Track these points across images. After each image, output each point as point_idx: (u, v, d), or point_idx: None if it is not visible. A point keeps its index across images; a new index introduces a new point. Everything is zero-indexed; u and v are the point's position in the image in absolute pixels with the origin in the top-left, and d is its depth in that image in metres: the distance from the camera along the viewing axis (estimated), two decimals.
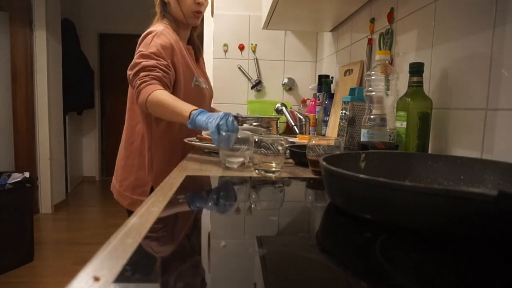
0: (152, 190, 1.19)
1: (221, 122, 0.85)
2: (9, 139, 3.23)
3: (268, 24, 1.72)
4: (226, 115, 0.88)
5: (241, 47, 2.01)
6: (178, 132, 1.21)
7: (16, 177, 2.44)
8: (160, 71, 1.08)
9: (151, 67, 1.07)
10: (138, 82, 1.06)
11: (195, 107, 0.98)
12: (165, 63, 1.10)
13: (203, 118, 0.90)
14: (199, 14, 1.22)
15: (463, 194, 0.32)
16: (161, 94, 1.03)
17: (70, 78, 4.02)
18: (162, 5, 1.23)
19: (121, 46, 4.97)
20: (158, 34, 1.14)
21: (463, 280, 0.29)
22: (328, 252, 0.34)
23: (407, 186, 0.38)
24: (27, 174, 2.52)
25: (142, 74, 1.06)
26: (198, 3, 1.19)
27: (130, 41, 4.87)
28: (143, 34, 1.18)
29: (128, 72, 1.11)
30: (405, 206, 0.37)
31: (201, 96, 1.25)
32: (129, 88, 1.22)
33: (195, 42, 1.33)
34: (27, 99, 3.31)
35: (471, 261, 0.32)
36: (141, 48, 1.13)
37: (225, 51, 2.01)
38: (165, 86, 1.08)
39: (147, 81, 1.05)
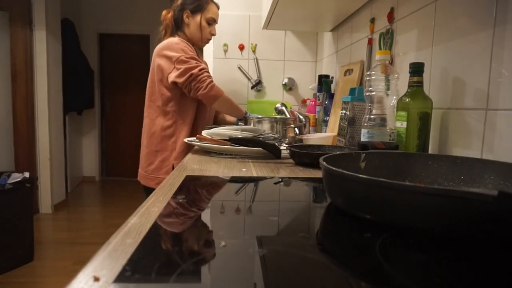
0: (173, 167, 1.42)
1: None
2: (9, 139, 3.23)
3: (268, 24, 1.72)
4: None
5: (241, 47, 2.01)
6: (196, 121, 1.48)
7: (16, 177, 2.44)
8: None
9: (207, 70, 1.39)
10: (208, 79, 1.36)
11: (245, 111, 1.50)
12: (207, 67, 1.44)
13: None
14: (209, 41, 1.55)
15: (463, 194, 0.32)
16: (227, 96, 1.42)
17: (70, 78, 4.02)
18: (177, 23, 1.50)
19: (121, 46, 4.98)
20: (180, 41, 1.40)
21: (463, 280, 0.29)
22: (328, 252, 0.34)
23: (407, 186, 0.38)
24: (27, 174, 2.52)
25: (206, 74, 1.37)
26: (212, 34, 1.52)
27: (130, 41, 4.93)
28: (164, 45, 1.40)
29: (183, 66, 1.34)
30: (405, 206, 0.37)
31: None
32: (148, 87, 1.46)
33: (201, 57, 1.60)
34: (27, 99, 3.31)
35: (471, 261, 0.32)
36: (179, 53, 1.37)
37: (225, 51, 2.01)
38: None
39: (212, 80, 1.38)
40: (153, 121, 1.45)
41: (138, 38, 4.88)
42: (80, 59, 4.38)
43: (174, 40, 1.40)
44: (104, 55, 4.97)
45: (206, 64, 1.63)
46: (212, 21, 1.49)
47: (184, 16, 1.47)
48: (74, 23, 4.31)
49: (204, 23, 1.47)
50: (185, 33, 1.49)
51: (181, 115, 1.43)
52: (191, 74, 1.34)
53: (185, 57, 1.35)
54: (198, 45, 1.53)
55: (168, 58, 1.37)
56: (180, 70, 1.35)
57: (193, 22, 1.47)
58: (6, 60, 3.20)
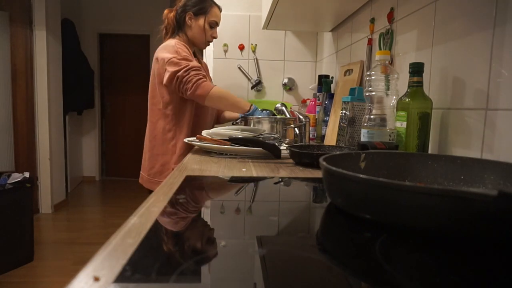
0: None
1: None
2: (9, 139, 3.23)
3: (268, 24, 1.72)
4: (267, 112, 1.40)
5: (241, 47, 2.01)
6: (196, 123, 1.47)
7: (16, 177, 2.44)
8: (204, 71, 1.38)
9: (198, 67, 1.34)
10: (194, 78, 1.31)
11: (250, 103, 1.41)
12: (199, 64, 1.38)
13: (257, 113, 1.39)
14: (210, 43, 1.55)
15: (463, 194, 0.32)
16: (221, 90, 1.37)
17: (70, 78, 4.02)
18: (179, 24, 1.49)
19: (121, 46, 4.98)
20: (177, 43, 1.39)
21: (463, 280, 0.29)
22: (328, 252, 0.34)
23: (407, 186, 0.38)
24: (27, 174, 2.52)
25: (193, 72, 1.32)
26: (213, 37, 1.51)
27: (130, 41, 4.94)
28: (161, 47, 1.40)
29: (172, 69, 1.32)
30: (405, 206, 0.36)
31: None
32: (150, 90, 1.46)
33: (197, 56, 1.60)
34: (27, 99, 3.31)
35: (471, 261, 0.32)
36: (171, 55, 1.35)
37: (225, 51, 2.01)
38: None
39: (201, 78, 1.33)
40: (154, 124, 1.45)
41: (138, 38, 4.88)
42: (80, 59, 4.38)
43: (171, 42, 1.39)
44: (104, 55, 4.97)
45: (205, 65, 1.64)
46: (214, 24, 1.49)
47: (187, 18, 1.46)
48: (74, 23, 4.30)
49: (206, 26, 1.46)
50: (186, 34, 1.49)
51: (179, 118, 1.43)
52: (177, 77, 1.33)
53: (177, 59, 1.33)
54: (199, 47, 1.54)
55: (162, 60, 1.37)
56: (169, 74, 1.33)
57: (195, 25, 1.46)
58: (6, 60, 3.20)
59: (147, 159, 1.47)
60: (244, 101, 1.41)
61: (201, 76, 1.33)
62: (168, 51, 1.37)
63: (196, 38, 1.48)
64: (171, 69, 1.33)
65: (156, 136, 1.44)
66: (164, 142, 1.43)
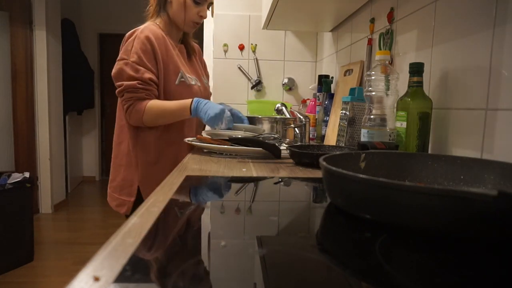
0: (138, 189, 1.16)
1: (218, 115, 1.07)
2: (9, 139, 3.23)
3: (268, 24, 1.72)
4: (222, 111, 1.08)
5: (241, 47, 2.01)
6: (164, 133, 1.19)
7: (16, 177, 2.44)
8: (142, 90, 1.12)
9: (133, 88, 1.11)
10: (125, 104, 1.14)
11: (189, 100, 1.11)
12: (148, 76, 1.12)
13: (203, 109, 1.09)
14: (197, 25, 1.24)
15: (463, 194, 0.32)
16: (152, 107, 1.11)
17: (70, 78, 4.02)
18: (160, 2, 1.24)
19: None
20: (138, 35, 1.14)
21: (463, 280, 0.29)
22: (328, 252, 0.34)
23: (407, 186, 0.38)
24: (27, 174, 2.52)
25: (126, 95, 1.13)
26: (201, 16, 1.21)
27: None
28: (127, 34, 1.18)
29: (114, 79, 1.16)
30: (405, 206, 0.37)
31: (188, 93, 1.19)
32: None
33: (189, 43, 1.33)
34: (27, 99, 3.31)
35: (471, 261, 0.32)
36: (123, 55, 1.14)
37: (225, 51, 2.01)
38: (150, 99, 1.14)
39: (132, 103, 1.13)
40: (121, 127, 1.23)
41: None
42: (80, 59, 4.38)
43: (137, 31, 1.15)
44: (104, 55, 4.96)
45: (197, 48, 1.39)
46: (202, 0, 1.19)
47: None
48: (74, 23, 4.30)
49: (188, 1, 1.17)
50: (168, 13, 1.23)
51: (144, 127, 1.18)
52: (118, 92, 1.16)
53: (123, 63, 1.13)
54: (182, 29, 1.25)
55: (120, 52, 1.16)
56: (115, 80, 1.16)
57: (176, 0, 1.19)
58: (6, 60, 3.20)
59: (111, 167, 1.25)
60: (181, 104, 1.12)
61: (131, 102, 1.12)
62: (127, 45, 1.14)
63: (177, 17, 1.20)
64: (117, 71, 1.15)
65: (121, 143, 1.22)
66: (129, 153, 1.19)
